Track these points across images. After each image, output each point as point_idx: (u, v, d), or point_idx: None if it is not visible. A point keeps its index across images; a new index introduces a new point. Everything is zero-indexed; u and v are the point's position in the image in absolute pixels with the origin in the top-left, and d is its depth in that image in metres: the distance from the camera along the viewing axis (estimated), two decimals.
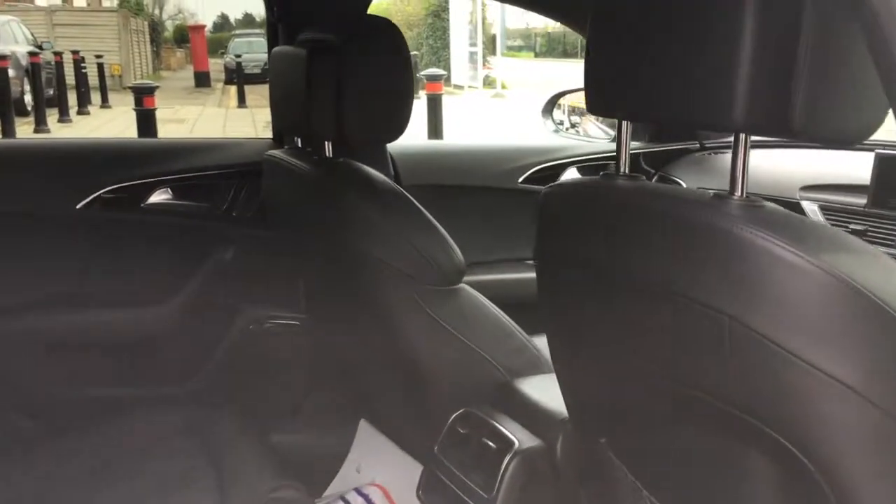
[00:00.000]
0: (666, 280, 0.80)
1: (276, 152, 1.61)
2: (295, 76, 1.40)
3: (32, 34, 12.33)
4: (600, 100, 0.90)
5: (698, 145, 2.20)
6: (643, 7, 0.83)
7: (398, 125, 1.36)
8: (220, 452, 1.52)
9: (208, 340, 1.86)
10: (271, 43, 1.83)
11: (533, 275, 2.09)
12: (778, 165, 1.84)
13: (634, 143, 2.26)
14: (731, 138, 2.23)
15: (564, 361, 1.09)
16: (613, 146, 2.27)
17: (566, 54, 29.31)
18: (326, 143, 1.46)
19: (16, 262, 1.73)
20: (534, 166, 2.13)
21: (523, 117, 11.00)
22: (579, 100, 2.76)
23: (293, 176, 1.50)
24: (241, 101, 13.08)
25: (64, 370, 1.78)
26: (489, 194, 2.12)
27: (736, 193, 0.78)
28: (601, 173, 0.95)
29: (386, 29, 1.35)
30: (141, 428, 1.60)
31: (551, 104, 2.48)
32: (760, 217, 0.75)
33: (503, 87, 16.70)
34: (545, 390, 1.33)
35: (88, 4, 20.72)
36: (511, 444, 1.25)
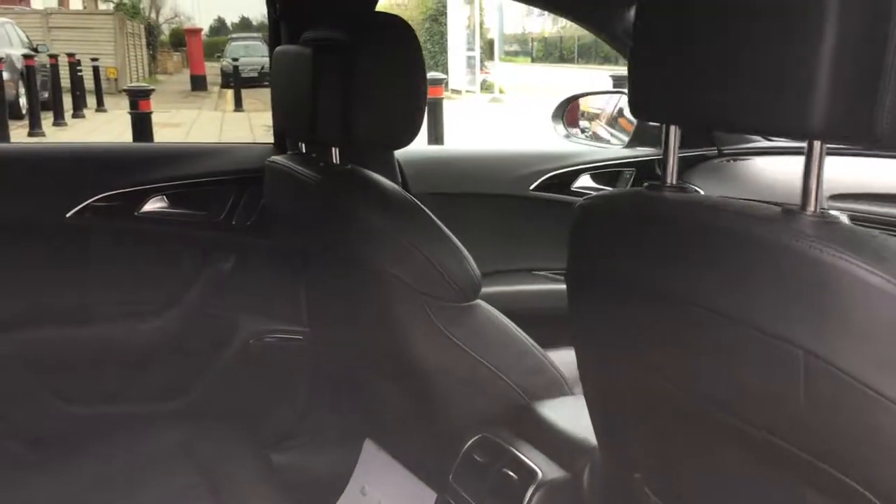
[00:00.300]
0: (727, 305, 0.71)
1: (279, 158, 1.54)
2: (299, 77, 1.32)
3: (28, 37, 12.23)
4: (646, 102, 0.82)
5: (716, 151, 2.11)
6: None
7: (411, 130, 1.28)
8: (217, 472, 1.49)
9: (206, 355, 1.78)
10: (273, 42, 1.75)
11: (545, 286, 2.03)
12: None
13: (647, 150, 2.19)
14: (751, 144, 2.14)
15: (597, 388, 1.01)
16: (627, 152, 2.20)
17: (562, 59, 29.47)
18: (333, 149, 1.38)
19: (1, 274, 1.65)
20: (546, 173, 2.06)
21: (522, 122, 10.99)
22: (589, 104, 2.68)
23: (297, 183, 1.42)
24: (238, 105, 13.05)
25: (53, 387, 1.70)
26: (499, 202, 2.04)
27: (809, 208, 0.70)
28: (646, 184, 0.86)
29: (397, 26, 1.27)
30: (134, 447, 1.55)
31: (562, 109, 2.40)
32: (838, 235, 0.66)
33: (501, 91, 16.68)
34: (568, 415, 1.25)
35: (84, 7, 20.63)
36: (534, 474, 1.17)
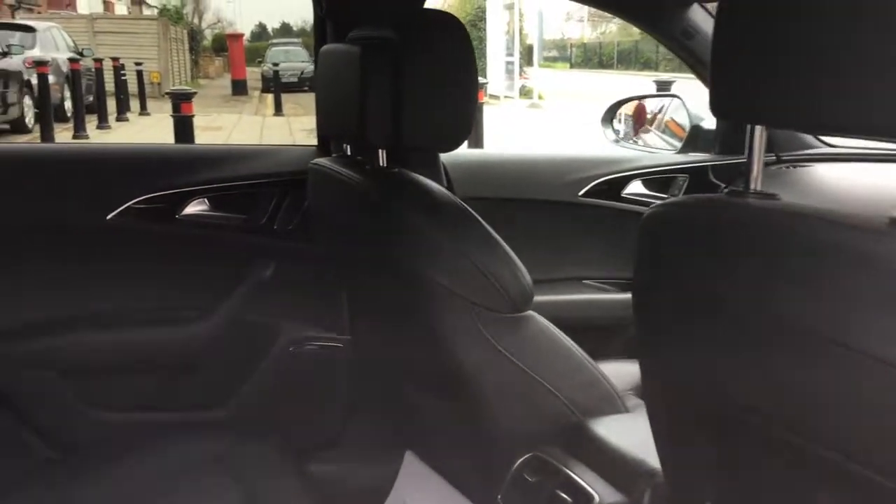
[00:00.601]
0: (823, 326, 0.64)
1: (324, 161, 1.49)
2: (346, 76, 1.27)
3: (74, 41, 12.46)
4: (729, 102, 0.75)
5: (774, 158, 2.02)
6: None
7: (462, 132, 1.22)
8: (254, 483, 1.45)
9: (245, 362, 1.74)
10: (319, 41, 1.71)
11: (594, 296, 1.96)
12: (877, 180, 1.66)
13: (701, 155, 2.11)
14: (811, 150, 2.04)
15: (664, 409, 0.94)
16: (680, 158, 2.12)
17: (602, 65, 29.27)
18: (381, 151, 1.33)
19: (40, 277, 1.63)
20: (595, 179, 1.99)
21: (562, 127, 10.90)
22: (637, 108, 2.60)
23: (342, 186, 1.37)
24: (278, 110, 13.15)
25: (89, 393, 1.67)
26: (547, 208, 1.98)
27: None
28: (725, 190, 0.79)
29: (448, 24, 1.21)
30: (170, 456, 1.53)
31: (611, 113, 2.33)
32: None
33: (540, 97, 16.58)
34: (624, 434, 1.18)
35: (129, 12, 21.01)
36: (590, 498, 1.10)
